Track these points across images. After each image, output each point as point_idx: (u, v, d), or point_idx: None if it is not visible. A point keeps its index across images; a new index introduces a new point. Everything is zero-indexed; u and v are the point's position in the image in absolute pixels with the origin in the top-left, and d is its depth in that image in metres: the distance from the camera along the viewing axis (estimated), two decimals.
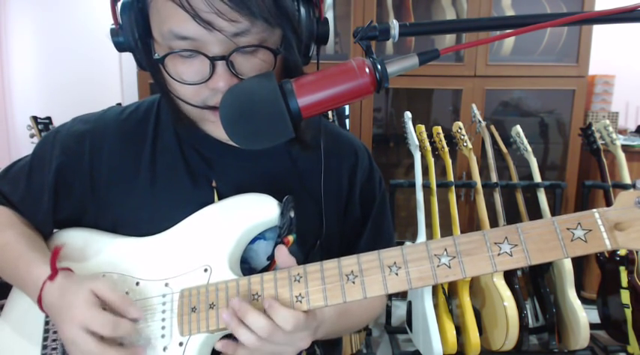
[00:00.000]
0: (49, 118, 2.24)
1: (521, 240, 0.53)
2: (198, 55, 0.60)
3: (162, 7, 0.60)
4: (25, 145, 2.47)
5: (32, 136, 2.18)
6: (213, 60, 0.60)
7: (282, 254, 0.63)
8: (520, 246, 0.53)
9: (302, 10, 0.63)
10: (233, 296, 0.62)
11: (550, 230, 0.52)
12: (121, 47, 0.65)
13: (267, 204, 0.69)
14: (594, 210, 0.52)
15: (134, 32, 0.63)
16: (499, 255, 0.53)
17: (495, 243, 0.54)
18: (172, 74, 0.63)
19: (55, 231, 0.81)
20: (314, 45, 0.67)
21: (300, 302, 0.59)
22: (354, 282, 0.57)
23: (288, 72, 0.64)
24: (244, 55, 0.61)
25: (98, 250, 0.74)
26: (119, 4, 0.63)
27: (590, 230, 0.51)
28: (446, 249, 0.55)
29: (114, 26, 0.64)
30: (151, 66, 0.66)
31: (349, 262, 0.58)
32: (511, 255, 0.53)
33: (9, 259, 0.74)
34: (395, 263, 0.56)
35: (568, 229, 0.52)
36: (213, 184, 0.74)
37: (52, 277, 0.67)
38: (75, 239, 0.77)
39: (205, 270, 0.67)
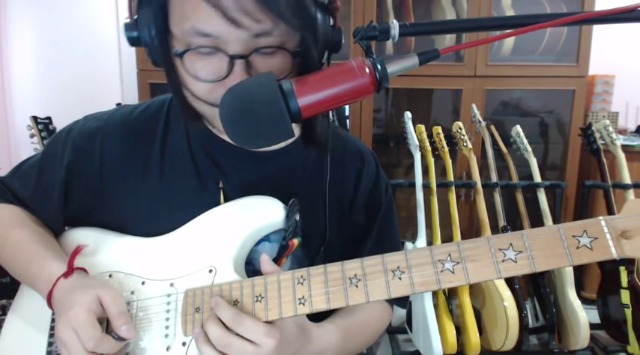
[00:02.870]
0: (49, 118, 2.23)
1: (526, 246, 0.52)
2: (216, 53, 0.60)
3: (185, 3, 0.60)
4: (25, 145, 2.47)
5: (32, 136, 2.17)
6: (233, 58, 0.60)
7: (265, 263, 0.63)
8: (525, 252, 0.52)
9: (319, 16, 0.63)
10: (237, 298, 0.62)
11: (555, 237, 0.52)
12: (135, 42, 0.65)
13: (273, 207, 0.69)
14: (600, 217, 0.51)
15: (152, 27, 0.63)
16: (503, 261, 0.53)
17: (500, 249, 0.53)
18: (189, 70, 0.63)
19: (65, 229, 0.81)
20: (326, 52, 0.67)
21: (303, 304, 0.59)
22: (357, 286, 0.57)
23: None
24: (263, 56, 0.62)
25: (105, 250, 0.75)
26: None
27: (596, 238, 0.50)
28: (450, 255, 0.54)
29: (128, 21, 0.64)
30: (166, 61, 0.65)
31: (353, 266, 0.58)
32: (515, 262, 0.52)
33: (21, 256, 0.74)
34: (398, 267, 0.56)
35: (574, 236, 0.51)
36: (220, 185, 0.74)
37: (67, 274, 0.67)
38: (83, 238, 0.77)
39: (210, 271, 0.67)
